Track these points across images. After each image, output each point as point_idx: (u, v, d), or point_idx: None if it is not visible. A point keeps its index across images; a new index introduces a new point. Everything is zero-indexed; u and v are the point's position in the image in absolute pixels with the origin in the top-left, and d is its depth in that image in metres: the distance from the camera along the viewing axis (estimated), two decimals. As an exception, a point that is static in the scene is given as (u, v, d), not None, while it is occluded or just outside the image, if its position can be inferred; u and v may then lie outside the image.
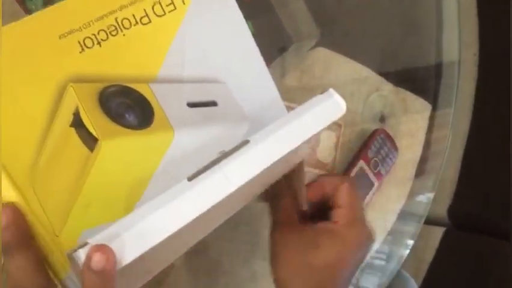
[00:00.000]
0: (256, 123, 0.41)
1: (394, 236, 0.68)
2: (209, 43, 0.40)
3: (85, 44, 0.34)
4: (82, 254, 0.27)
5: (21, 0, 0.42)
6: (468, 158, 1.01)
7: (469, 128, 1.01)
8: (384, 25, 0.64)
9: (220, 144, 0.39)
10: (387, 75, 0.63)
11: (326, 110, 0.36)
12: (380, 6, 0.64)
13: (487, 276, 0.93)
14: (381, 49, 0.64)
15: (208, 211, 0.31)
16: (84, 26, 0.35)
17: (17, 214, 0.32)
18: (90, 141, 0.33)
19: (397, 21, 0.66)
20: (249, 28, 0.55)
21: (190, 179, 0.31)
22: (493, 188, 0.97)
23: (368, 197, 0.59)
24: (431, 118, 0.69)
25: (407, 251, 0.70)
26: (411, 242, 0.71)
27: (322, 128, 0.36)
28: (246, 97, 0.41)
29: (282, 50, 0.58)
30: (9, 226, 0.31)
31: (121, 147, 0.34)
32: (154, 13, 0.37)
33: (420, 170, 0.69)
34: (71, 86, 0.33)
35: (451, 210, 1.02)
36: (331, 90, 0.37)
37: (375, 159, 0.59)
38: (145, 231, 0.28)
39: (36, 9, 0.41)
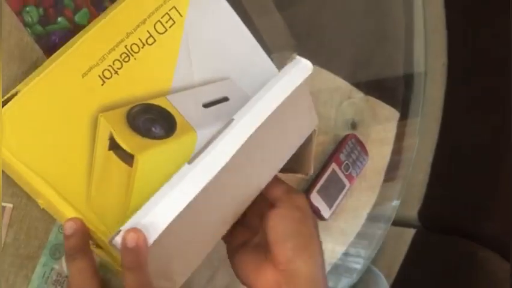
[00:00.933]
0: None
1: (364, 237, 0.72)
2: (210, 45, 0.43)
3: (104, 76, 0.39)
4: (118, 238, 0.33)
5: (18, 12, 0.45)
6: (437, 163, 1.05)
7: (438, 134, 1.06)
8: (356, 37, 0.68)
9: None
10: (358, 85, 0.67)
11: (297, 73, 0.41)
12: (353, 20, 0.68)
13: (456, 276, 0.97)
14: (353, 60, 0.68)
15: (217, 188, 0.36)
16: (100, 60, 0.39)
17: (81, 224, 0.37)
18: (128, 158, 0.39)
19: (369, 34, 0.70)
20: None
21: (189, 162, 0.36)
22: (461, 191, 1.01)
23: (339, 198, 0.63)
24: (402, 127, 0.73)
25: (375, 252, 0.74)
26: (379, 243, 0.75)
27: (294, 87, 0.40)
28: (252, 84, 0.44)
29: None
30: (76, 233, 0.37)
31: (154, 157, 0.39)
32: (157, 32, 0.41)
33: (391, 177, 0.73)
34: (101, 115, 0.38)
35: (421, 213, 1.06)
36: (297, 57, 0.42)
37: (346, 162, 0.63)
38: (161, 212, 0.34)
39: (32, 22, 0.44)
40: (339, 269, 0.70)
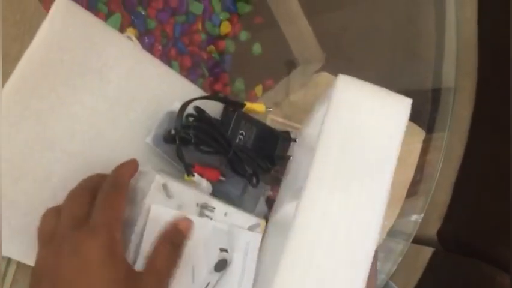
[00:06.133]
0: None
1: (384, 252, 0.71)
2: None
3: None
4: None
5: (52, 14, 0.46)
6: (460, 182, 1.04)
7: (463, 153, 1.05)
8: (386, 54, 0.68)
9: None
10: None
11: None
12: (383, 36, 0.68)
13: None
14: (382, 77, 0.67)
15: None
16: None
17: None
18: None
19: (399, 50, 0.69)
20: (257, 49, 0.59)
21: None
22: (482, 214, 1.00)
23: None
24: (427, 141, 0.72)
25: (395, 267, 0.73)
26: (399, 259, 0.74)
27: None
28: None
29: (289, 70, 0.62)
30: None
31: None
32: None
33: (413, 191, 0.72)
34: None
35: (440, 233, 1.04)
36: None
37: (368, 179, 0.62)
38: None
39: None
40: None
